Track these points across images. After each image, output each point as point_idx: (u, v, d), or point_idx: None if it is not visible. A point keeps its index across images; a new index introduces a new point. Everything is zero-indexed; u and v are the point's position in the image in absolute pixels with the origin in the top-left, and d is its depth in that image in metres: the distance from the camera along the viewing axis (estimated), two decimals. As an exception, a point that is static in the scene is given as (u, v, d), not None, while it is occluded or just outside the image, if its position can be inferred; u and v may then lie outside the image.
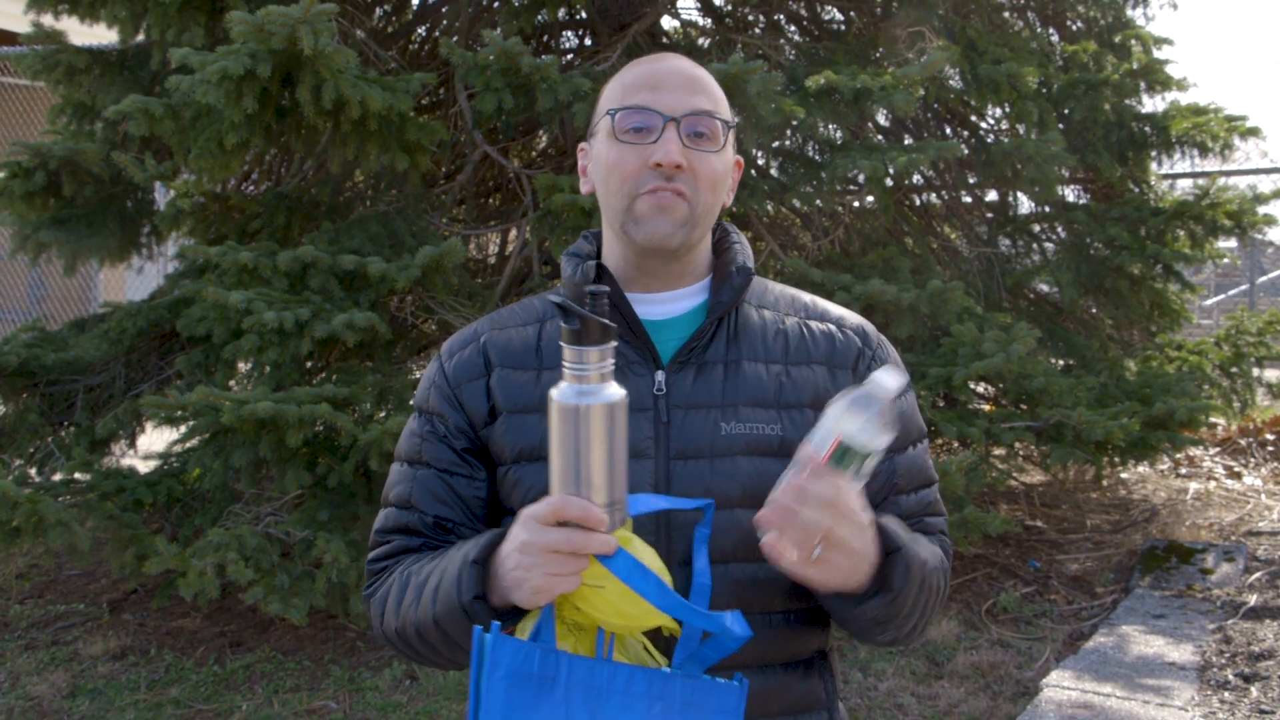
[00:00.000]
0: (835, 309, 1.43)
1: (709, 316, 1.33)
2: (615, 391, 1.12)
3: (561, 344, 1.11)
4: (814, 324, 1.39)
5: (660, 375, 1.31)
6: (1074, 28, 5.73)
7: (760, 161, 4.99)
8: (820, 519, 1.10)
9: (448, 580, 1.22)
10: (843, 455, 1.11)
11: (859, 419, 1.11)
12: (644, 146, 1.29)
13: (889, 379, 1.11)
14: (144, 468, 4.43)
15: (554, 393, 1.12)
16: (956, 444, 4.22)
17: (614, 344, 1.11)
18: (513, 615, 1.20)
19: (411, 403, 1.46)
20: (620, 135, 1.30)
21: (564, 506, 1.11)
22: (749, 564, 1.27)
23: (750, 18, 5.53)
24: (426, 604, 1.25)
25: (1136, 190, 5.53)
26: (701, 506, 1.24)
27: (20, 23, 5.05)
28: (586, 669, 1.16)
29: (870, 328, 1.42)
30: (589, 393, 1.10)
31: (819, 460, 1.11)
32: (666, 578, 1.16)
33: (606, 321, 1.09)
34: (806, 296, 1.44)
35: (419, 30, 5.45)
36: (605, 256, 1.39)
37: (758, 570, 1.27)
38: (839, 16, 5.58)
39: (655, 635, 1.22)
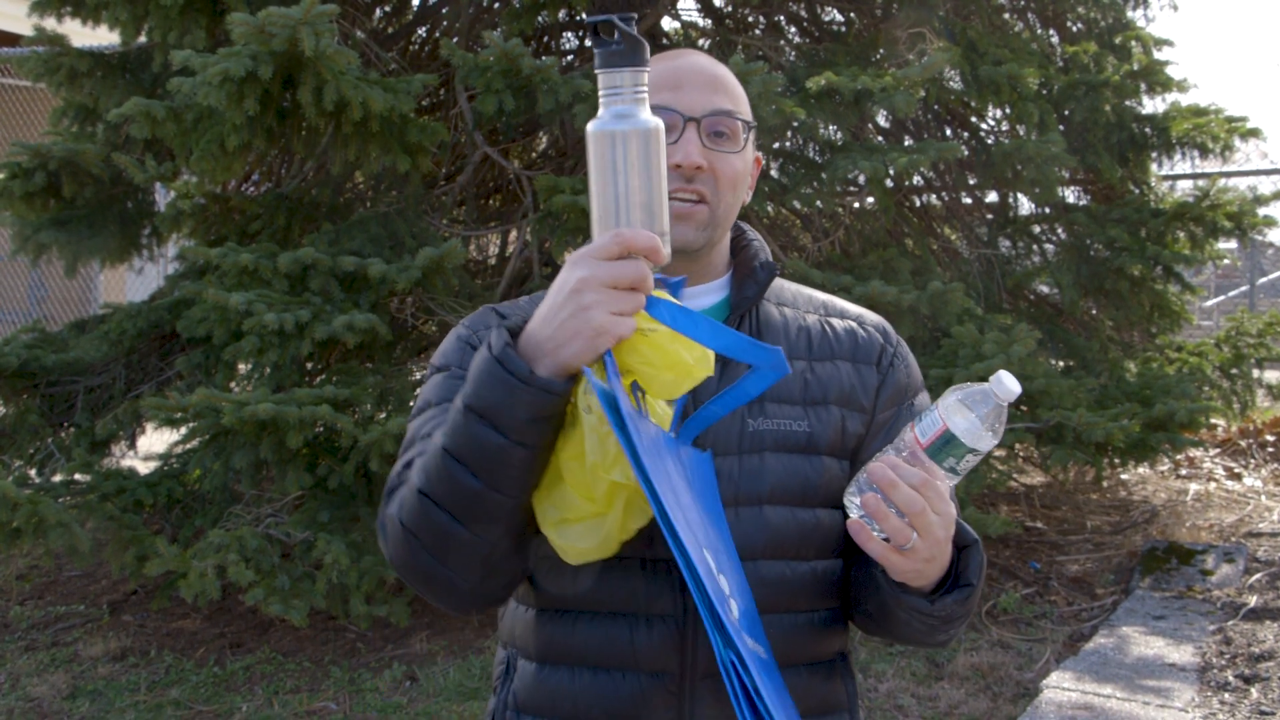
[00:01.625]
0: (853, 307, 1.43)
1: (733, 312, 1.32)
2: (651, 117, 1.07)
3: (596, 71, 1.06)
4: (835, 321, 1.38)
5: None
6: (1074, 29, 5.72)
7: (761, 160, 4.98)
8: (912, 501, 1.09)
9: (473, 370, 1.10)
10: (944, 445, 1.10)
11: (970, 415, 1.10)
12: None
13: (1011, 383, 1.10)
14: (144, 469, 4.43)
15: (591, 123, 1.06)
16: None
17: (647, 67, 1.06)
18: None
19: (431, 364, 1.38)
20: None
21: (633, 237, 1.03)
22: (777, 562, 1.26)
23: (750, 19, 5.53)
24: (453, 419, 1.10)
25: (1137, 191, 5.53)
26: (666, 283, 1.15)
27: (20, 24, 5.06)
28: (639, 418, 1.07)
29: (889, 325, 1.42)
30: (626, 115, 1.05)
31: (921, 445, 1.11)
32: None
33: (640, 38, 1.04)
34: (822, 295, 1.44)
35: (419, 31, 5.45)
36: None
37: (785, 569, 1.27)
38: (839, 18, 5.58)
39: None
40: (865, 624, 1.33)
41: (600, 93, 1.06)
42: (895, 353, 1.38)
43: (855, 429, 1.32)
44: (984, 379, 1.15)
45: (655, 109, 1.27)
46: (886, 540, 1.11)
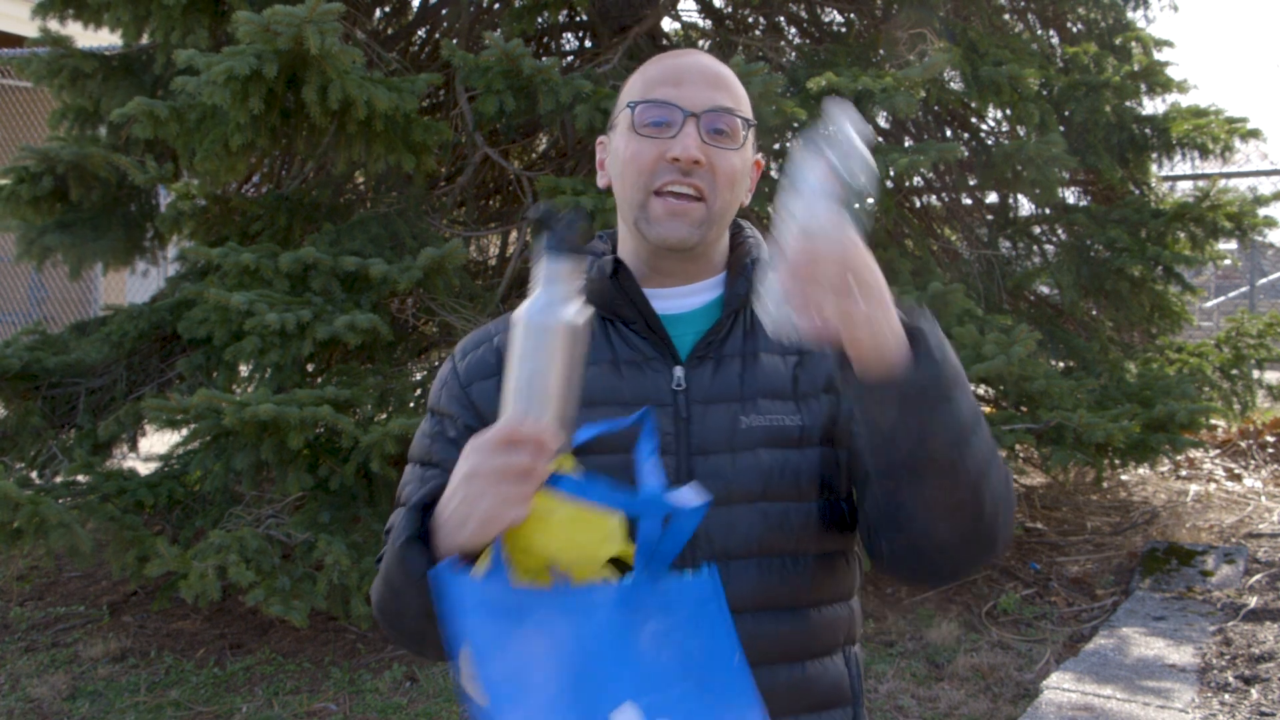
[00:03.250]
0: None
1: (725, 310, 1.32)
2: (580, 314, 1.11)
3: (535, 260, 1.09)
4: None
5: (679, 370, 1.30)
6: (1074, 30, 5.73)
7: (761, 163, 4.99)
8: (831, 252, 1.03)
9: (393, 533, 1.20)
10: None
11: (841, 152, 1.05)
12: (662, 140, 1.28)
13: (849, 113, 1.06)
14: (145, 470, 4.43)
15: (520, 310, 1.11)
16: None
17: (585, 261, 1.10)
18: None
19: (427, 404, 1.42)
20: (639, 129, 1.29)
21: (519, 427, 1.07)
22: (774, 558, 1.26)
23: (751, 20, 5.54)
24: (386, 562, 1.22)
25: (1137, 192, 5.53)
26: (635, 420, 1.19)
27: (22, 25, 5.06)
28: (554, 595, 1.11)
29: None
30: (558, 307, 1.09)
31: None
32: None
33: (579, 244, 1.09)
34: None
35: (419, 32, 5.45)
36: (620, 252, 1.38)
37: (784, 564, 1.27)
38: (839, 18, 5.58)
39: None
40: (889, 534, 1.22)
41: (538, 277, 1.11)
42: None
43: (848, 411, 1.30)
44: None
45: (655, 103, 1.29)
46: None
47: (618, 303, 1.33)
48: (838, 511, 1.30)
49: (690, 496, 1.12)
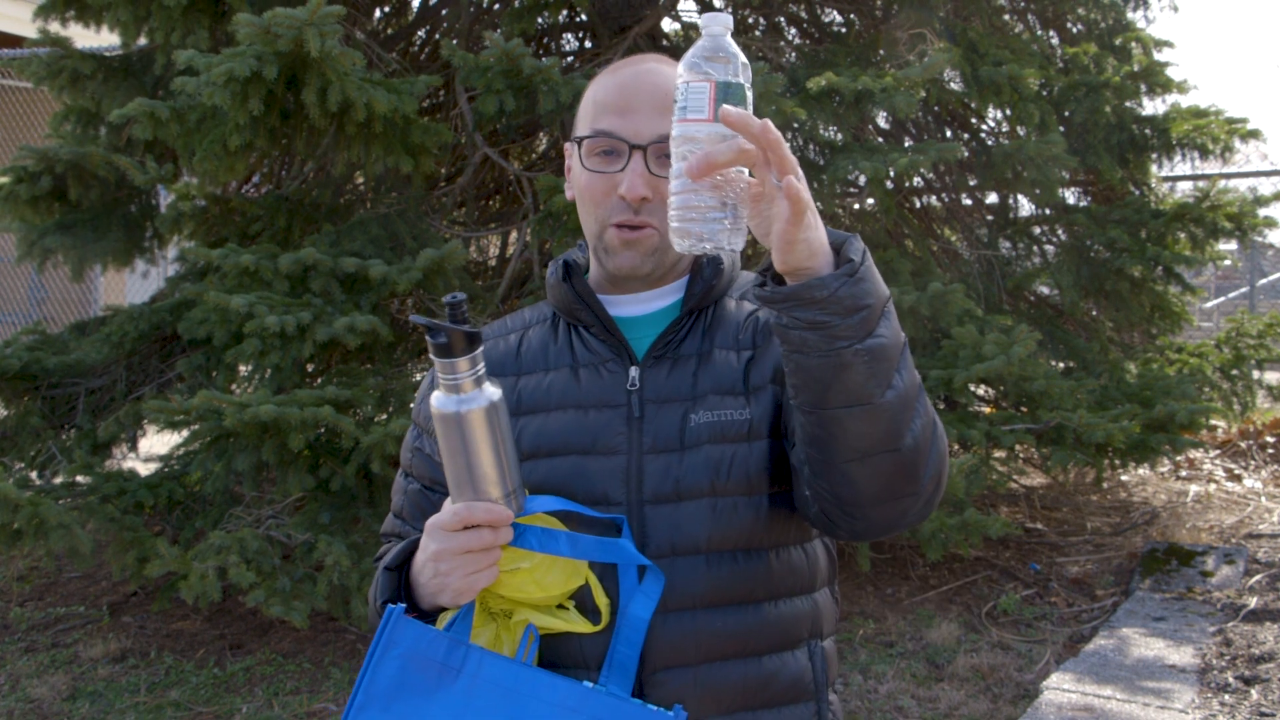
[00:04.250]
0: None
1: (683, 309, 1.34)
2: (492, 392, 1.15)
3: (432, 358, 1.14)
4: None
5: (634, 371, 1.31)
6: (1074, 30, 5.73)
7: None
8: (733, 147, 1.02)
9: (373, 589, 1.30)
10: (723, 100, 1.03)
11: (716, 65, 1.04)
12: (611, 175, 1.29)
13: (713, 21, 1.06)
14: (145, 470, 4.43)
15: (434, 401, 1.16)
16: (957, 446, 4.22)
17: (481, 349, 1.14)
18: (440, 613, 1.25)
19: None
20: (588, 161, 1.30)
21: (469, 513, 1.15)
22: (725, 553, 1.26)
23: (751, 20, 5.54)
24: (370, 606, 1.32)
25: (1137, 192, 5.53)
26: (614, 519, 1.24)
27: (22, 26, 5.06)
28: (501, 668, 1.16)
29: None
30: (467, 400, 1.14)
31: (711, 118, 1.03)
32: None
33: (469, 330, 1.12)
34: None
35: (419, 33, 5.45)
36: (591, 264, 1.41)
37: (735, 559, 1.27)
38: (839, 19, 5.58)
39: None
40: (818, 482, 1.19)
41: (439, 376, 1.15)
42: None
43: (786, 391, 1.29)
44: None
45: (600, 135, 1.29)
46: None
47: (574, 306, 1.35)
48: (790, 503, 1.30)
49: (651, 569, 1.19)
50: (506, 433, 1.17)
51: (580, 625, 1.20)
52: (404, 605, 1.19)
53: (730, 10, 5.51)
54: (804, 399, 1.13)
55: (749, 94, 1.05)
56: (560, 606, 1.22)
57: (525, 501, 1.19)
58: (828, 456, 1.15)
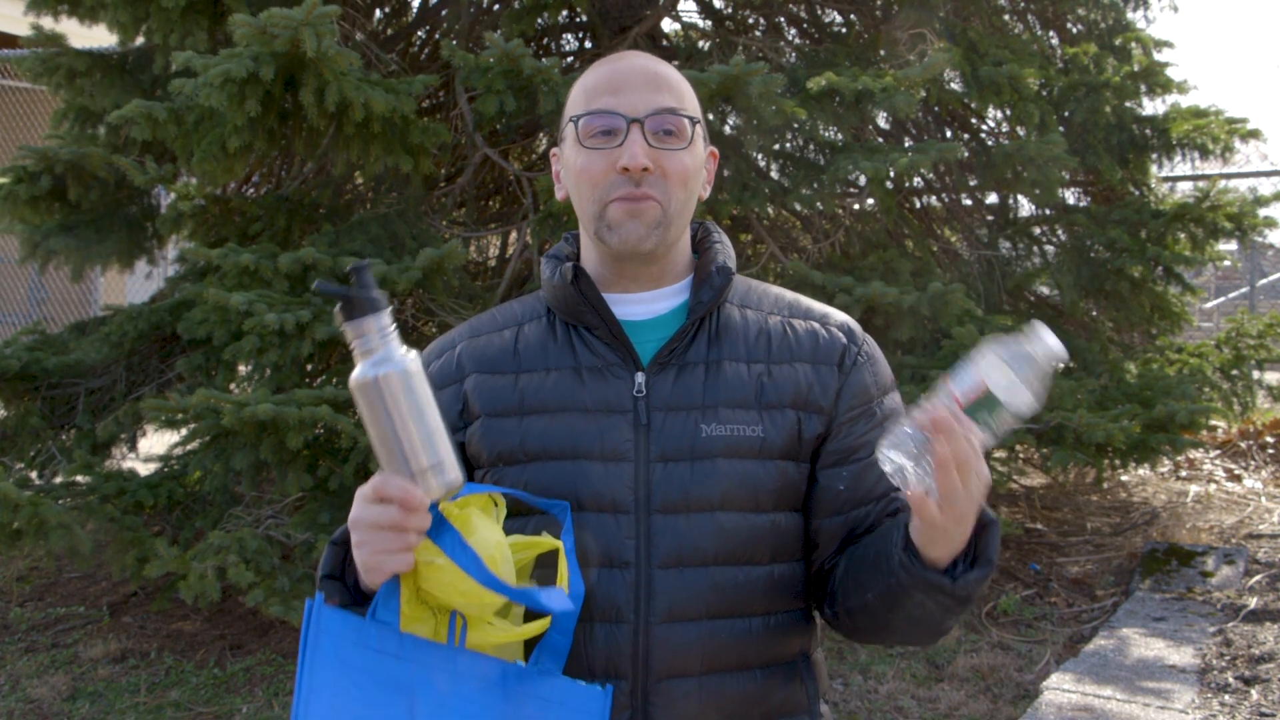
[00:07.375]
0: (820, 307, 1.41)
1: (690, 317, 1.32)
2: (405, 356, 1.12)
3: (340, 327, 1.11)
4: (797, 322, 1.37)
5: (640, 377, 1.29)
6: (1074, 30, 5.73)
7: (761, 163, 4.99)
8: (965, 450, 1.08)
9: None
10: (980, 405, 1.08)
11: (1011, 375, 1.08)
12: (610, 151, 1.27)
13: (1053, 341, 1.10)
14: (145, 470, 4.43)
15: (351, 377, 1.12)
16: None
17: (388, 310, 1.11)
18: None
19: None
20: (585, 141, 1.29)
21: (384, 485, 1.10)
22: (730, 567, 1.26)
23: (751, 20, 5.54)
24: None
25: (1137, 193, 5.52)
26: (554, 509, 1.23)
27: (21, 25, 5.06)
28: (432, 651, 1.14)
29: (855, 325, 1.40)
30: (379, 362, 1.10)
31: (959, 403, 1.08)
32: (505, 554, 1.15)
33: (372, 295, 1.10)
34: (790, 295, 1.42)
35: (419, 33, 5.45)
36: (584, 259, 1.38)
37: (739, 573, 1.27)
38: (839, 19, 5.58)
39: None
40: (854, 621, 1.29)
41: (351, 344, 1.12)
42: (860, 352, 1.37)
43: (814, 430, 1.31)
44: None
45: (596, 114, 1.29)
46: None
47: (580, 309, 1.32)
48: (791, 525, 1.30)
49: (550, 599, 1.15)
50: (428, 401, 1.12)
51: (521, 632, 1.18)
52: (323, 597, 1.15)
53: (730, 10, 5.52)
54: (877, 609, 1.24)
55: (1004, 423, 1.09)
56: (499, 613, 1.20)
57: (458, 480, 1.13)
58: (872, 626, 1.28)
